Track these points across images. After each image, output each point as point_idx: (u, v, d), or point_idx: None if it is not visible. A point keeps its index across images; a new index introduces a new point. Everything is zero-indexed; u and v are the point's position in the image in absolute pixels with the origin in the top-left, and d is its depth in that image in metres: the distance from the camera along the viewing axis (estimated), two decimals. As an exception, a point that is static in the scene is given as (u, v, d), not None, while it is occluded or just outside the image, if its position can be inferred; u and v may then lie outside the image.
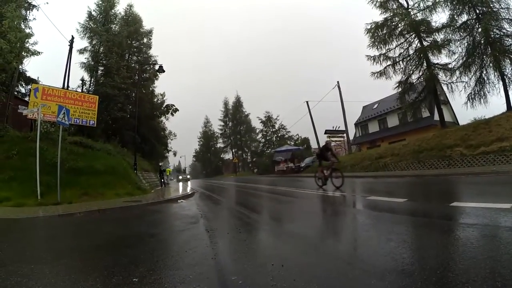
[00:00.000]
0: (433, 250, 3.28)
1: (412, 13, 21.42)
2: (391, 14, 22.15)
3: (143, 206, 10.46)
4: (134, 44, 34.88)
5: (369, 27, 22.76)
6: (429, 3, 20.70)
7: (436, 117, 24.18)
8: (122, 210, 9.60)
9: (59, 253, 4.22)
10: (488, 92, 18.37)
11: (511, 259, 2.64)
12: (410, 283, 2.32)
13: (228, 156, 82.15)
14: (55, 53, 29.07)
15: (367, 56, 22.96)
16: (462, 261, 2.79)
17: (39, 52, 17.51)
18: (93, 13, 30.63)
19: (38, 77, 25.59)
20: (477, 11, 18.20)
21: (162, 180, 26.88)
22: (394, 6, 22.28)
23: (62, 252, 4.29)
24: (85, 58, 29.56)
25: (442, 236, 3.75)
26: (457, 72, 19.61)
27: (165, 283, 2.78)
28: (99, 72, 29.59)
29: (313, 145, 49.04)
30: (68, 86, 22.40)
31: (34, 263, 3.61)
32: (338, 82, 34.32)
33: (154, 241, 4.97)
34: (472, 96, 18.96)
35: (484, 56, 18.10)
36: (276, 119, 68.11)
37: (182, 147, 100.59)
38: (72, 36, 23.88)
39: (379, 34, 22.39)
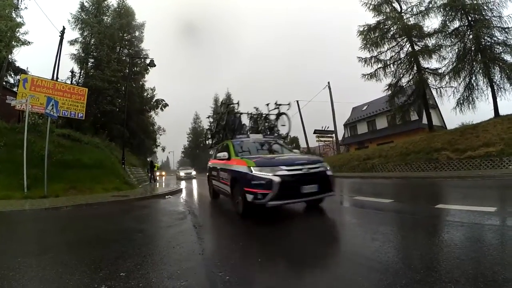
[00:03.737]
0: (417, 250, 3.35)
1: (405, 17, 21.47)
2: (384, 18, 22.18)
3: (130, 201, 10.39)
4: (126, 37, 34.39)
5: (361, 29, 22.80)
6: (422, 8, 20.84)
7: (425, 120, 24.40)
8: (109, 204, 9.53)
9: (46, 247, 4.18)
10: (477, 98, 18.56)
11: (493, 261, 2.71)
12: (395, 282, 2.37)
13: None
14: (45, 43, 28.65)
15: (359, 58, 23.00)
16: (445, 261, 2.86)
17: (29, 42, 17.23)
18: (85, 4, 30.16)
19: (27, 68, 25.29)
20: (469, 18, 18.38)
21: (151, 175, 26.70)
22: (388, 10, 22.32)
23: (48, 246, 4.25)
24: (76, 49, 29.08)
25: (426, 237, 3.83)
26: (447, 77, 19.75)
27: (153, 278, 2.80)
28: (89, 64, 29.16)
29: (302, 144, 49.13)
30: (57, 78, 22.08)
31: (21, 256, 3.58)
32: (328, 82, 34.29)
33: (141, 237, 4.95)
34: (461, 101, 19.14)
35: (474, 63, 18.27)
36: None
37: (171, 143, 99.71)
38: (64, 26, 23.52)
39: (371, 36, 22.41)
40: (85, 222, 6.85)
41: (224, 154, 7.06)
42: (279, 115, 10.07)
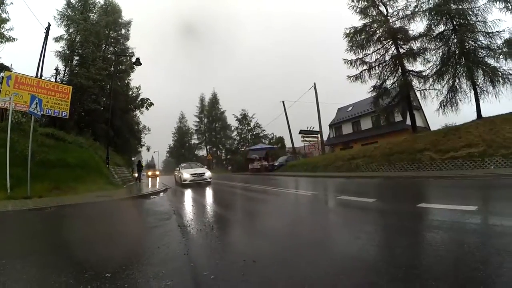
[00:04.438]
0: (399, 249, 3.42)
1: (390, 21, 21.78)
2: (370, 21, 22.42)
3: (115, 202, 10.32)
4: (112, 35, 33.87)
5: (348, 31, 23.01)
6: (408, 12, 21.15)
7: (408, 121, 24.82)
8: (93, 205, 9.40)
9: (30, 249, 4.13)
10: (460, 100, 18.92)
11: (473, 259, 2.80)
12: (377, 280, 2.44)
13: (203, 152, 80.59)
14: (30, 40, 28.14)
15: (344, 59, 23.18)
16: (426, 258, 2.95)
17: (14, 39, 16.89)
18: (72, 0, 29.75)
19: (11, 64, 24.71)
20: (454, 23, 18.71)
21: (138, 175, 26.56)
22: (374, 13, 22.54)
23: (33, 248, 4.20)
24: (61, 46, 28.47)
25: (408, 235, 3.92)
26: (431, 80, 20.12)
27: (138, 278, 2.79)
28: (74, 62, 28.65)
29: (288, 144, 49.34)
30: (41, 75, 21.69)
31: (5, 258, 3.52)
32: (314, 83, 34.63)
33: (126, 237, 4.94)
34: (444, 103, 19.50)
35: (458, 66, 18.59)
36: (252, 117, 67.94)
37: (156, 142, 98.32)
38: (49, 23, 23.09)
39: (357, 39, 22.62)
40: (69, 223, 6.77)
41: None
42: None
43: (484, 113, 17.77)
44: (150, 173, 45.50)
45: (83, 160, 15.08)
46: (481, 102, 17.93)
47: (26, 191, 10.18)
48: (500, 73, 16.79)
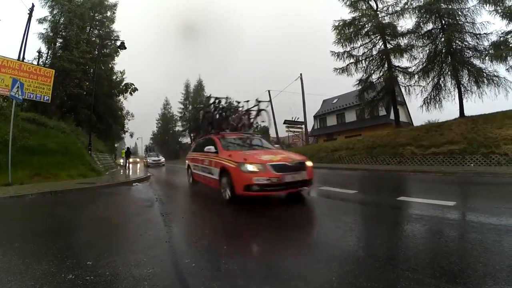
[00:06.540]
0: (377, 240, 3.51)
1: (380, 16, 21.83)
2: (360, 14, 22.41)
3: (97, 189, 10.18)
4: (97, 17, 32.70)
5: (336, 24, 22.99)
6: (398, 8, 21.25)
7: (392, 116, 25.10)
8: (75, 192, 9.29)
9: (12, 237, 4.08)
10: (444, 98, 19.21)
11: (449, 251, 2.92)
12: (354, 269, 2.51)
13: (187, 140, 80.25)
14: (12, 21, 27.23)
15: (332, 52, 23.19)
16: (404, 250, 3.04)
17: (-4, 20, 16.26)
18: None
19: (-8, 47, 24.07)
20: (443, 22, 18.87)
21: (126, 162, 26.37)
22: (364, 7, 22.60)
23: (14, 236, 4.15)
24: (44, 28, 27.44)
25: (387, 227, 4.02)
26: (416, 76, 20.36)
27: (119, 266, 2.80)
28: (58, 44, 27.83)
29: (272, 133, 49.35)
30: (24, 58, 21.09)
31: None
32: (301, 74, 34.48)
33: (108, 225, 4.92)
34: (428, 100, 19.78)
35: (444, 65, 18.84)
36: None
37: (139, 129, 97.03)
38: (33, 4, 22.29)
39: (346, 32, 22.65)
40: (51, 210, 6.68)
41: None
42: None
43: (467, 112, 18.12)
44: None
45: (65, 146, 14.77)
46: (464, 101, 18.24)
47: (7, 178, 10.00)
48: (485, 74, 17.06)
